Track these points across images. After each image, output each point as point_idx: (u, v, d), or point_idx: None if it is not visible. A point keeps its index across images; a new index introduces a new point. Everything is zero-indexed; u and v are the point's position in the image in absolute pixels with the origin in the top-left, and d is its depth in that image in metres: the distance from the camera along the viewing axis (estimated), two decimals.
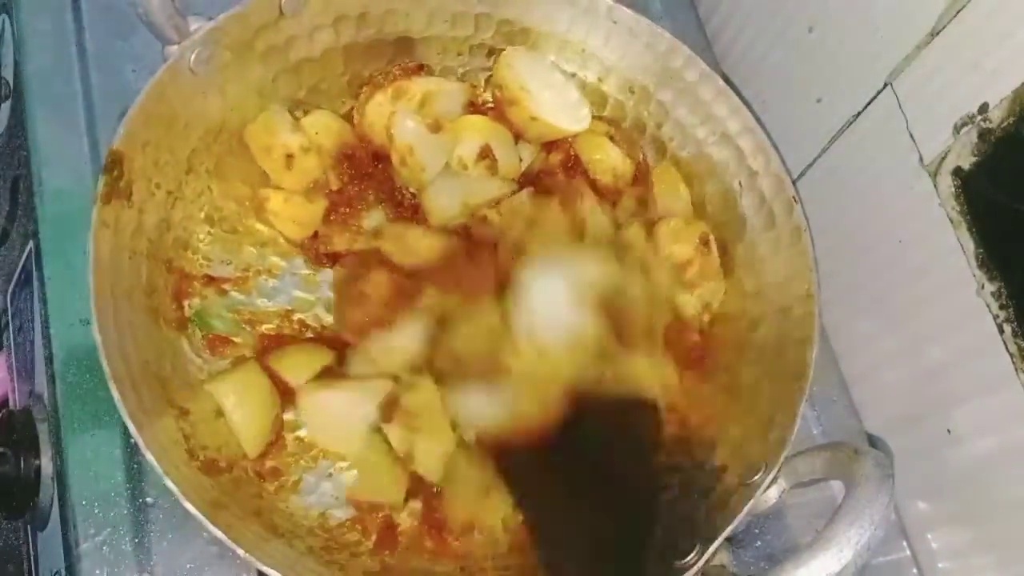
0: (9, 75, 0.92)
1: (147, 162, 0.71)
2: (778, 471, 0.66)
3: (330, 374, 0.75)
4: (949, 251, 0.72)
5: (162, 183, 0.73)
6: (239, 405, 0.71)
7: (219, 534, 0.60)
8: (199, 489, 0.64)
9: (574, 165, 0.85)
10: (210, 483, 0.66)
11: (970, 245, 0.70)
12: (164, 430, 0.65)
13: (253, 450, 0.72)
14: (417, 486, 0.74)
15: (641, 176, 0.87)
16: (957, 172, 0.70)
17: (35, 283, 0.81)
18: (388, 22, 0.83)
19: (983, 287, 0.70)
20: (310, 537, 0.70)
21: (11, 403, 0.91)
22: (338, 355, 0.76)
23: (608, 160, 0.85)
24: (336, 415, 0.75)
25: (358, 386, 0.75)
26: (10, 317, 0.93)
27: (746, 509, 0.65)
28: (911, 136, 0.74)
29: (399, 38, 0.85)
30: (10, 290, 0.91)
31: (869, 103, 0.79)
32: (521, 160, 0.85)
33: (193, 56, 0.71)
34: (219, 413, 0.71)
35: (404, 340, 0.75)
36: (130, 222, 0.70)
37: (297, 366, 0.75)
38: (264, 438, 0.72)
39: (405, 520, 0.74)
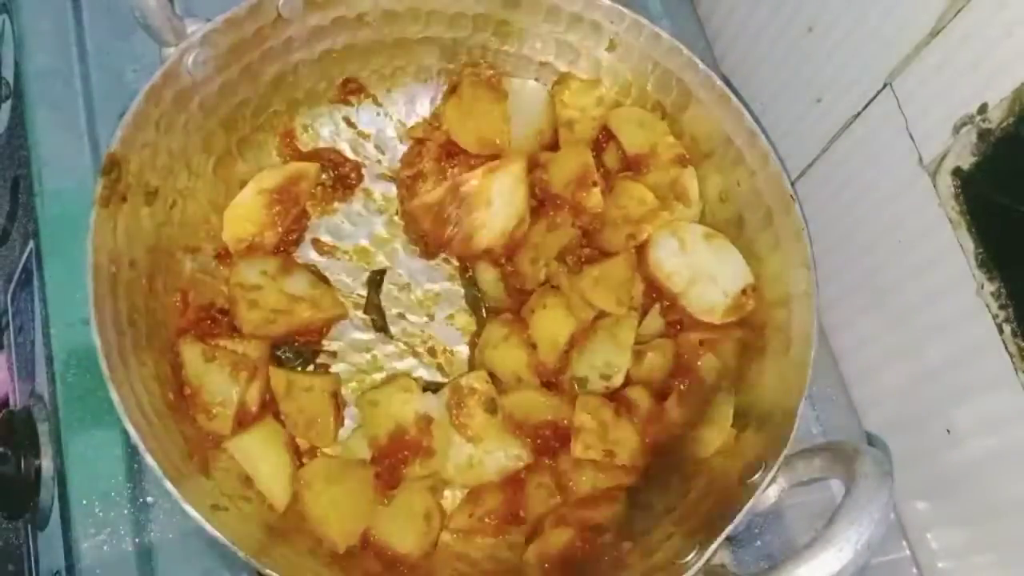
0: (9, 75, 0.92)
1: (145, 164, 0.70)
2: (777, 470, 0.66)
3: None
4: (949, 251, 0.72)
5: (162, 185, 0.73)
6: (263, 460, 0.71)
7: (220, 536, 0.60)
8: (199, 491, 0.64)
9: None
10: (210, 485, 0.66)
11: (970, 245, 0.70)
12: (165, 431, 0.65)
13: (281, 502, 0.71)
14: None
15: None
16: (957, 172, 0.70)
17: (35, 283, 0.81)
18: (386, 24, 0.83)
19: (983, 287, 0.70)
20: (311, 538, 0.70)
21: (11, 403, 0.91)
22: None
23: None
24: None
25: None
26: (10, 317, 0.93)
27: (746, 509, 0.65)
28: (911, 136, 0.74)
29: (397, 39, 0.85)
30: (10, 290, 0.91)
31: (869, 103, 0.79)
32: None
33: (191, 58, 0.71)
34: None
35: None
36: (129, 224, 0.70)
37: None
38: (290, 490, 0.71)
39: None
